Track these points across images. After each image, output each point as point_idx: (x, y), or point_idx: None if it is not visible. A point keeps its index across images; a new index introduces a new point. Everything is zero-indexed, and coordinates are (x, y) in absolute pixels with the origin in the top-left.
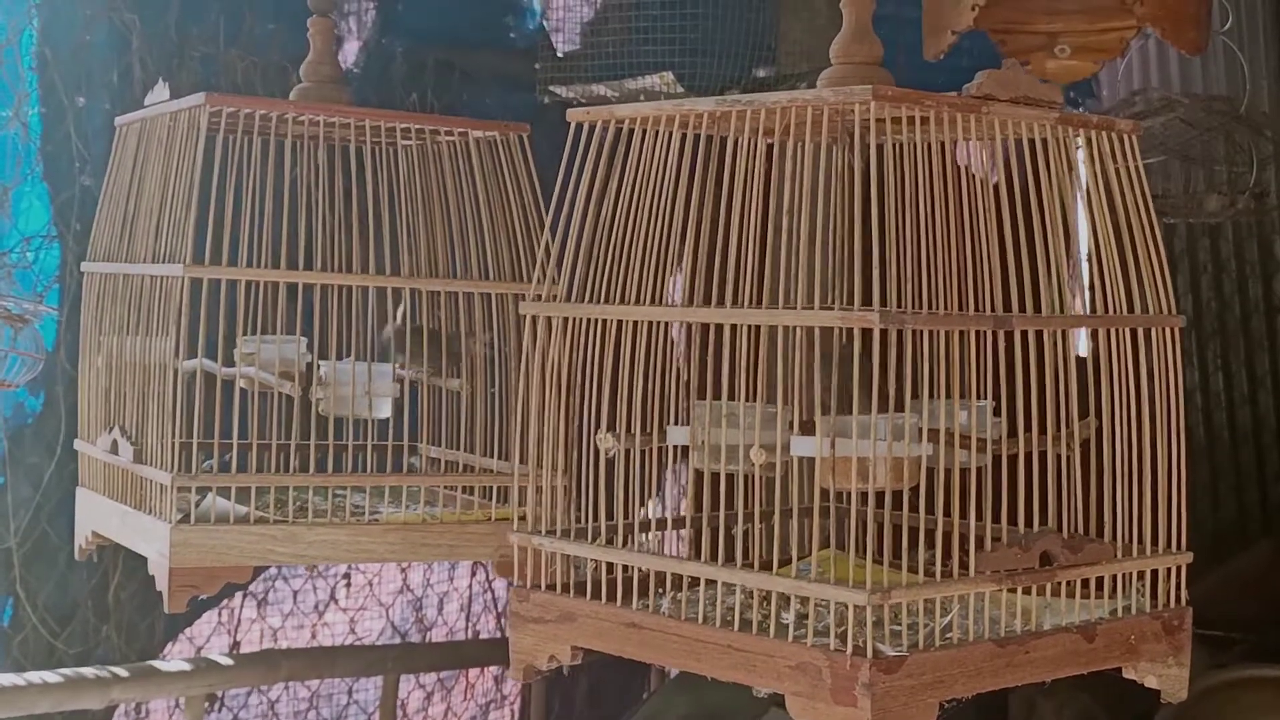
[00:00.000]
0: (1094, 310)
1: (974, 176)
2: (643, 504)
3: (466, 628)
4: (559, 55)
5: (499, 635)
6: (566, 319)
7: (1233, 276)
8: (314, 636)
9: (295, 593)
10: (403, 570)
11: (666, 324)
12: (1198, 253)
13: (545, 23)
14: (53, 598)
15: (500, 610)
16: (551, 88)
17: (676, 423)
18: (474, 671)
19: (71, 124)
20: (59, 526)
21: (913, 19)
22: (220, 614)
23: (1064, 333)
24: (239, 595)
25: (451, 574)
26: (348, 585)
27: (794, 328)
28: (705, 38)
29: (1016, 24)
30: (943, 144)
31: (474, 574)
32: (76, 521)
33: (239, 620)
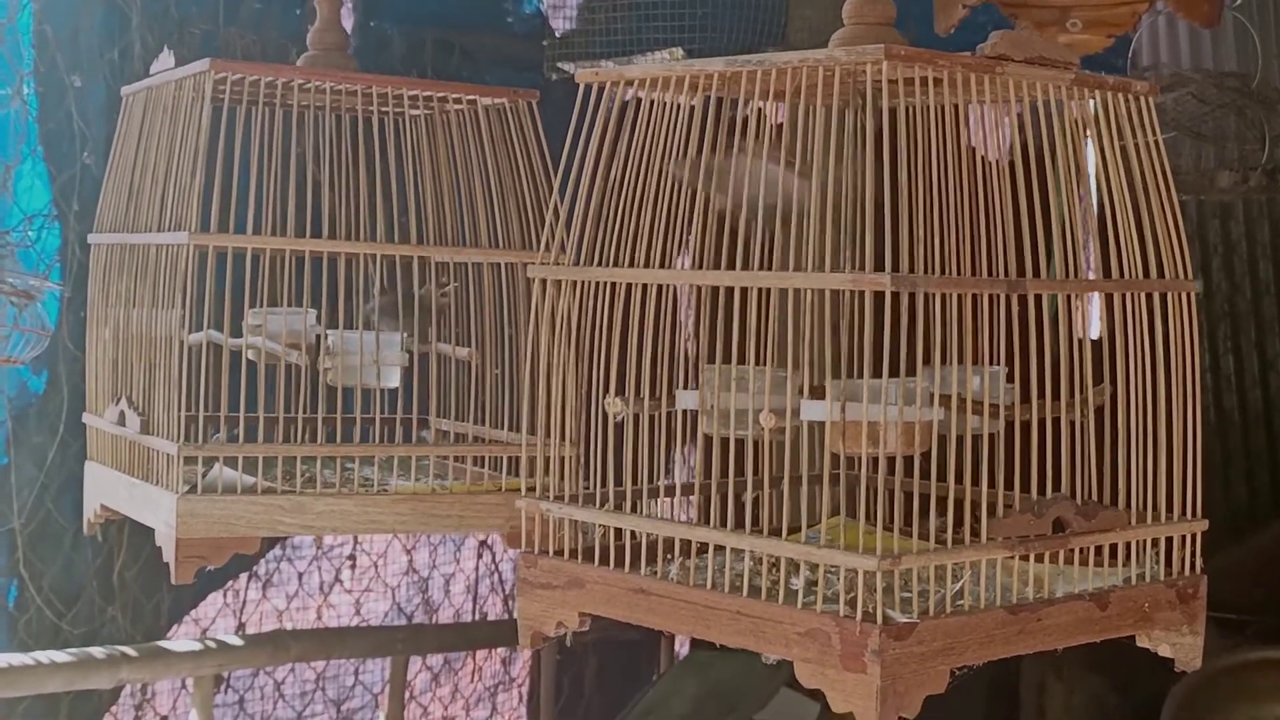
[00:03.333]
0: (1109, 275)
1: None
2: (652, 470)
3: (473, 609)
4: (558, 35)
5: (506, 616)
6: (575, 282)
7: (1244, 258)
8: (319, 618)
9: (300, 574)
10: (408, 551)
11: (675, 288)
12: (1208, 234)
13: (541, 5)
14: (58, 578)
15: (507, 592)
16: (559, 64)
17: (685, 388)
18: (481, 654)
19: (72, 103)
20: (63, 507)
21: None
22: (225, 595)
23: (1079, 297)
24: (244, 576)
25: (457, 555)
26: (353, 566)
27: (805, 290)
28: (714, 14)
29: None
30: (955, 107)
31: (480, 555)
32: (85, 495)
33: (244, 601)
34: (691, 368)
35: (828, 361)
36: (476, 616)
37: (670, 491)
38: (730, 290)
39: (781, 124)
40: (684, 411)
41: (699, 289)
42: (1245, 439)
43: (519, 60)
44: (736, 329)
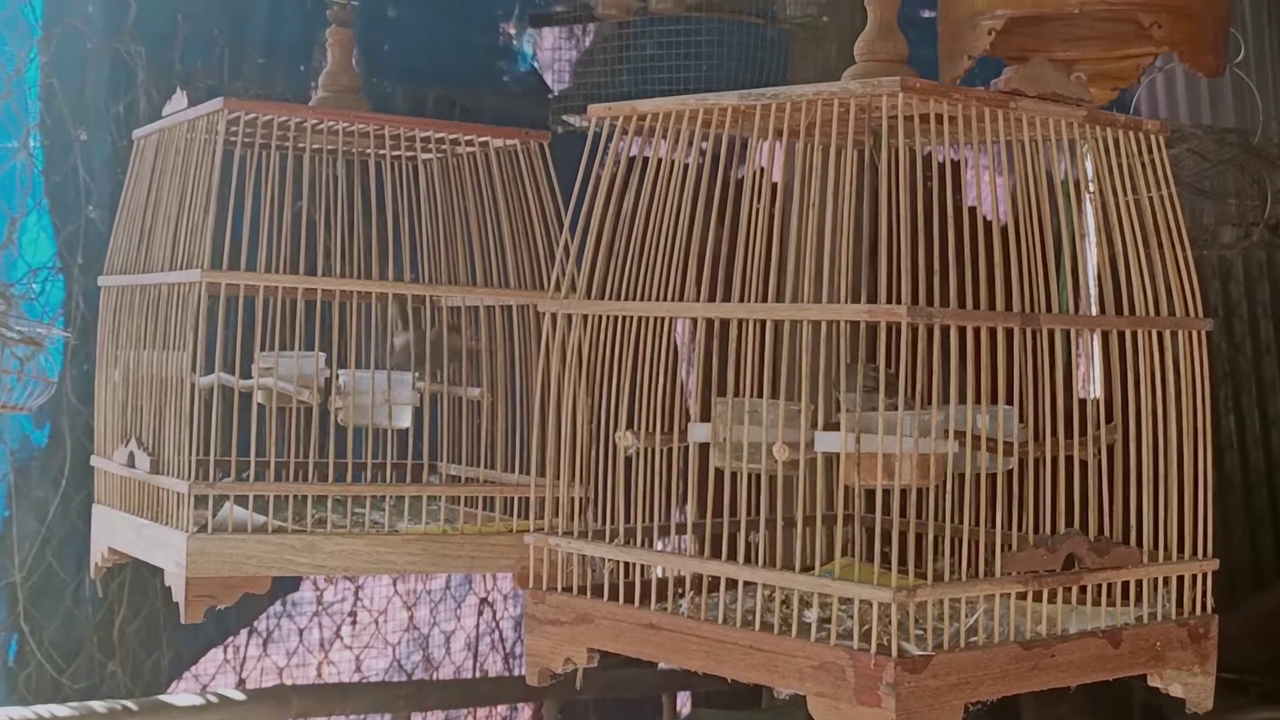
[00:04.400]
0: (1119, 312)
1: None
2: (665, 506)
3: (474, 667)
4: (557, 92)
5: (507, 674)
6: (586, 316)
7: (1244, 319)
8: (319, 675)
9: (301, 630)
10: (409, 608)
11: (671, 323)
12: (1208, 295)
13: (535, 64)
14: (58, 633)
15: (508, 649)
16: (565, 117)
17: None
18: (482, 712)
19: (78, 156)
20: (65, 561)
21: (928, 58)
22: (226, 651)
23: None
24: (244, 633)
25: (458, 612)
26: (353, 623)
27: (822, 323)
28: (715, 77)
29: (1032, 50)
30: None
31: (480, 613)
32: (92, 538)
33: (244, 658)
34: (691, 403)
35: (842, 392)
36: (477, 674)
37: (681, 529)
38: (725, 324)
39: (777, 183)
40: (689, 446)
41: (696, 326)
42: (1247, 499)
43: (519, 116)
44: (746, 362)
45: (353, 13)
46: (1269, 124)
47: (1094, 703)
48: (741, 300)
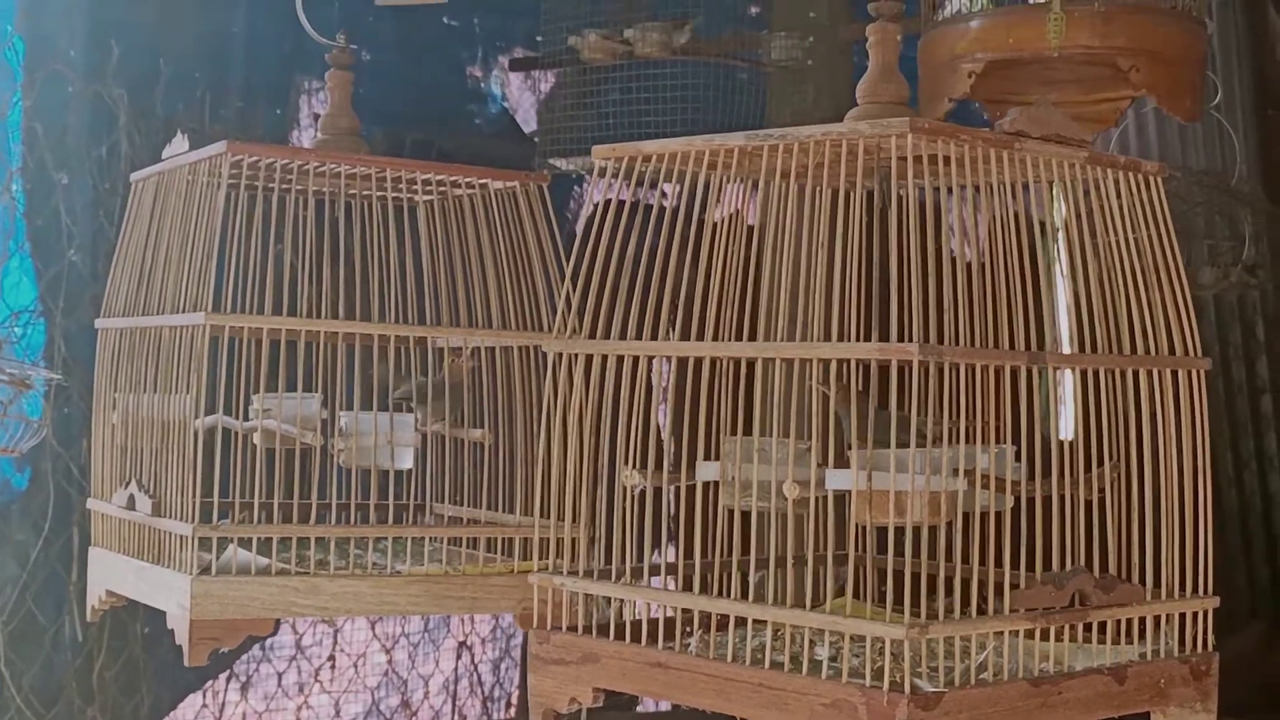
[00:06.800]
0: (1119, 351)
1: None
2: (666, 543)
3: (452, 710)
4: (529, 134)
5: (485, 717)
6: (590, 356)
7: (1216, 359)
8: (298, 719)
9: (279, 674)
10: (387, 651)
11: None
12: None
13: (506, 105)
14: (38, 678)
15: (486, 693)
16: (551, 160)
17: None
18: None
19: (60, 199)
20: (45, 606)
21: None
22: (204, 696)
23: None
24: (223, 677)
25: (436, 656)
26: (333, 667)
27: (832, 360)
28: (694, 117)
29: (1011, 94)
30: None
31: (459, 656)
32: (89, 581)
33: (223, 703)
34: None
35: (853, 431)
36: (455, 717)
37: (687, 568)
38: (752, 360)
39: (753, 226)
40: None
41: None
42: (1220, 540)
43: (496, 157)
44: (758, 400)
45: (351, 55)
46: (1247, 166)
47: None
48: (752, 340)
